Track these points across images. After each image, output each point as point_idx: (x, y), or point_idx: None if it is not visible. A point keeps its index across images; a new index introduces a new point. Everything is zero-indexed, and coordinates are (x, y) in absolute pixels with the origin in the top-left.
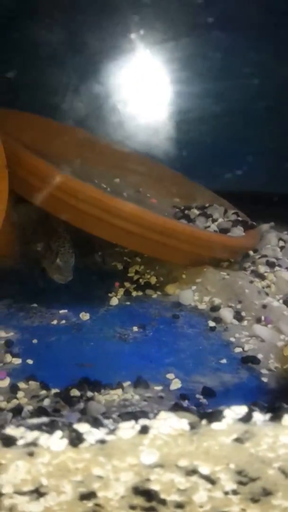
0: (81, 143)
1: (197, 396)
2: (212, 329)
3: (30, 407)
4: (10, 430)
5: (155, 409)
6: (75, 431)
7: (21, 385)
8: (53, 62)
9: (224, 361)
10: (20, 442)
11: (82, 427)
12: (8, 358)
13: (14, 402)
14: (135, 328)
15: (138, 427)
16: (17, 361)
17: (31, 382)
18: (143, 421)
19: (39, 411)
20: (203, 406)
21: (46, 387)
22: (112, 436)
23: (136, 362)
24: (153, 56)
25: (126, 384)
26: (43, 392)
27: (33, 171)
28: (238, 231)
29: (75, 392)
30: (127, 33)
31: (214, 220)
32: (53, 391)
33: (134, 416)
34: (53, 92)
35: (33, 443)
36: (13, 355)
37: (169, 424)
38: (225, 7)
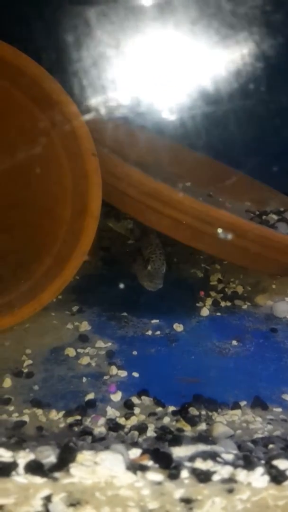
0: (150, 146)
1: None
2: None
3: (152, 426)
4: (200, 464)
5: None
6: (275, 467)
7: (135, 400)
8: None
9: None
10: (216, 478)
11: (282, 464)
12: (114, 370)
13: (133, 419)
14: (234, 342)
15: None
16: (123, 373)
17: (143, 398)
18: None
19: (165, 431)
20: None
21: (161, 403)
22: None
23: (245, 379)
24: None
25: (243, 404)
26: (160, 409)
27: (123, 179)
28: None
29: (193, 411)
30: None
31: None
32: (170, 408)
33: None
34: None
35: (232, 479)
36: (118, 367)
37: None
38: None
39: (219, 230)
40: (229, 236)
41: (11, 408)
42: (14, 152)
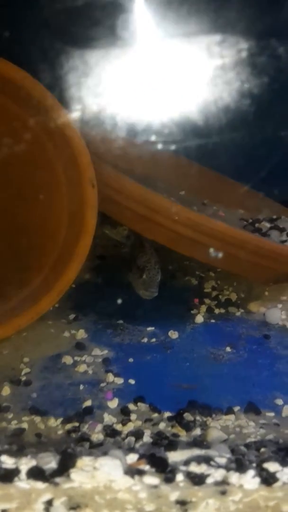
0: (142, 155)
1: None
2: None
3: (148, 432)
4: (194, 468)
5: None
6: (265, 470)
7: (131, 406)
8: None
9: None
10: (210, 480)
11: (273, 466)
12: (110, 377)
13: (130, 425)
14: (227, 349)
15: None
16: (119, 380)
17: (140, 404)
18: None
19: (161, 437)
20: None
21: (156, 409)
22: None
23: (238, 385)
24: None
25: (236, 409)
26: (155, 415)
27: (118, 189)
28: None
29: (188, 417)
30: None
31: None
32: (166, 414)
33: None
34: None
35: (225, 482)
36: (115, 375)
37: None
38: None
39: (211, 250)
40: (222, 251)
41: (10, 415)
42: (20, 173)
